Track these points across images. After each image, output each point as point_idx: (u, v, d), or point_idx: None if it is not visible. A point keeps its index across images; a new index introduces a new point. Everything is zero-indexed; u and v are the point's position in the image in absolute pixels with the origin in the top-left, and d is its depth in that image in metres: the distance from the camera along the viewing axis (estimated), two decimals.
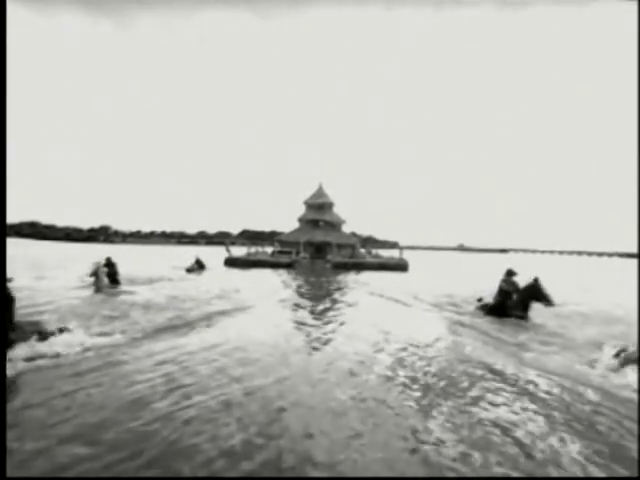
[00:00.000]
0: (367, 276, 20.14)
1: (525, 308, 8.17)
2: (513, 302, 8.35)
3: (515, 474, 2.54)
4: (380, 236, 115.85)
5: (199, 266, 19.31)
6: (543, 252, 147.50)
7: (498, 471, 2.55)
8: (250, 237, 78.57)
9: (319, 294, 12.38)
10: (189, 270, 18.48)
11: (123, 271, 12.55)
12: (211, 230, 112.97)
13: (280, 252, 29.36)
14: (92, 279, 10.73)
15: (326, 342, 5.96)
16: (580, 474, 2.55)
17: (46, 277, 13.31)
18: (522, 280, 8.47)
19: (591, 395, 3.96)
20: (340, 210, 35.78)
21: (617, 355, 4.92)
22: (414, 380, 4.28)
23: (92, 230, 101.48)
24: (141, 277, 14.04)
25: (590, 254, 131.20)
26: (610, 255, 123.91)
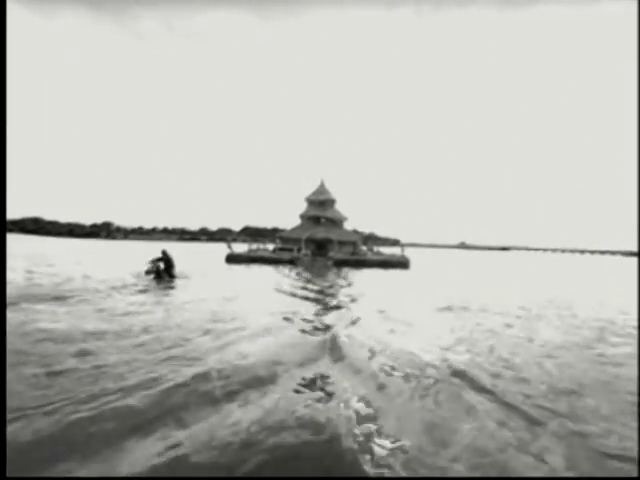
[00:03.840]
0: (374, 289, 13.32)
1: None
2: None
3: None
4: (382, 233, 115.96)
5: (157, 272, 12.64)
6: (545, 250, 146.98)
7: None
8: (252, 234, 78.67)
9: None
10: (151, 272, 12.61)
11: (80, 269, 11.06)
12: (213, 227, 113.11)
13: (282, 249, 29.36)
14: None
15: None
16: None
17: None
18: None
19: None
20: (342, 207, 35.71)
21: None
22: None
23: (94, 226, 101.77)
24: (73, 285, 10.38)
25: (592, 252, 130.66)
26: (613, 253, 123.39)
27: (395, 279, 18.03)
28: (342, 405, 3.41)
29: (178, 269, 13.55)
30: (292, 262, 25.42)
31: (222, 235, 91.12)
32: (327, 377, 4.19)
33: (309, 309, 8.59)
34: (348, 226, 35.42)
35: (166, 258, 12.95)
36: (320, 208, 33.96)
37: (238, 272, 18.44)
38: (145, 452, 2.55)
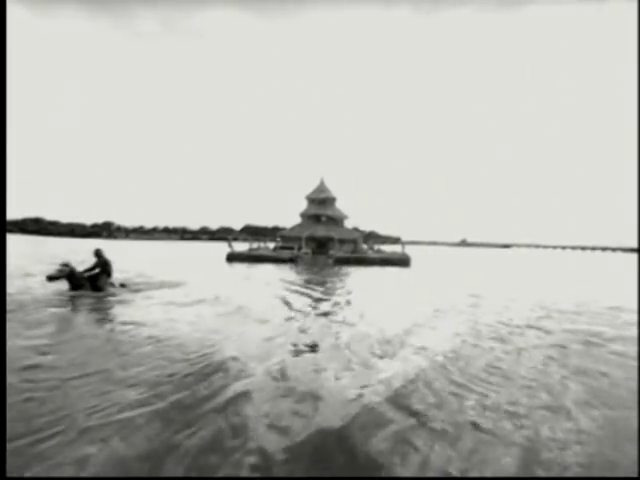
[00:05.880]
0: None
1: None
2: None
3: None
4: (382, 231, 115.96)
5: (70, 276, 8.15)
6: (546, 247, 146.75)
7: None
8: (252, 232, 78.69)
9: None
10: (57, 279, 8.06)
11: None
12: (213, 226, 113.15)
13: (282, 247, 29.53)
14: None
15: None
16: None
17: None
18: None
19: None
20: (342, 205, 35.78)
21: None
22: None
23: (95, 226, 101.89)
24: None
25: (593, 249, 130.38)
26: (614, 250, 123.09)
27: (396, 277, 18.08)
28: None
29: (164, 275, 10.15)
30: (293, 260, 25.52)
31: (223, 234, 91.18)
32: None
33: None
34: (348, 224, 35.51)
35: (102, 261, 8.60)
36: (320, 206, 34.02)
37: (227, 281, 13.70)
38: None
